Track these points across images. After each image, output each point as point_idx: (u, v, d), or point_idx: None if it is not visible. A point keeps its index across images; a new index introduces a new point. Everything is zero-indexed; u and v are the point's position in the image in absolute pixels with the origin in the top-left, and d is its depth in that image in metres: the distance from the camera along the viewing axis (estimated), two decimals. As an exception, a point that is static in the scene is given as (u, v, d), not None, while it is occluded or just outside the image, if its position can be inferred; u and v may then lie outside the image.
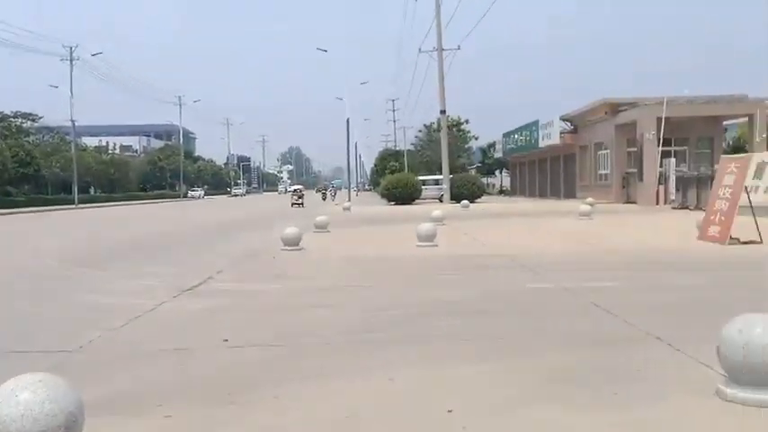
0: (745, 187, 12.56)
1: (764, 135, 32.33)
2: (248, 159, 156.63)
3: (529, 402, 3.77)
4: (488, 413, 3.64)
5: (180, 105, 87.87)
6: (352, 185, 73.64)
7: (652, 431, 3.36)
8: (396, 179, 42.92)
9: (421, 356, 4.86)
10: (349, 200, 43.69)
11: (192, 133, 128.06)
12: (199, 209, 45.71)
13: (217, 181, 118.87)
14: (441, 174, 43.19)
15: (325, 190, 65.45)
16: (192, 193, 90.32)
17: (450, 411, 3.62)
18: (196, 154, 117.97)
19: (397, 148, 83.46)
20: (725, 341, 3.67)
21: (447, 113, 43.64)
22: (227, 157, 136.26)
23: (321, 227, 17.13)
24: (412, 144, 76.68)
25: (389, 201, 41.87)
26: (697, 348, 4.50)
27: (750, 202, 12.35)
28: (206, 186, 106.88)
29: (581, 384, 4.08)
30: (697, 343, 4.56)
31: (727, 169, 12.91)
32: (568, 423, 3.46)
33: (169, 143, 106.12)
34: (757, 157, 20.91)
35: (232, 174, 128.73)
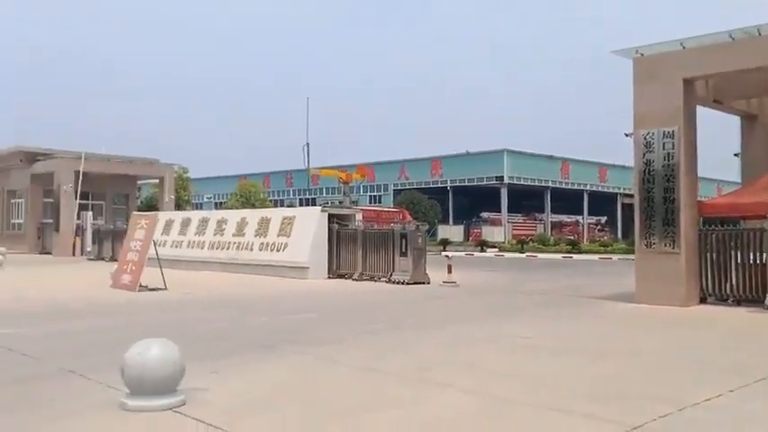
0: (154, 241, 14.25)
1: (172, 196, 36.42)
2: None
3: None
4: None
5: None
6: None
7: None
8: None
9: None
10: None
11: None
12: None
13: None
14: None
15: None
16: None
17: None
18: None
19: None
20: (127, 363, 4.59)
21: None
22: None
23: None
24: None
25: None
26: (107, 377, 5.29)
27: (157, 254, 14.08)
28: None
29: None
30: (108, 373, 5.34)
31: (138, 225, 14.46)
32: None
33: None
34: (165, 215, 23.62)
35: None
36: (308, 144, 31.66)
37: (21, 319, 9.25)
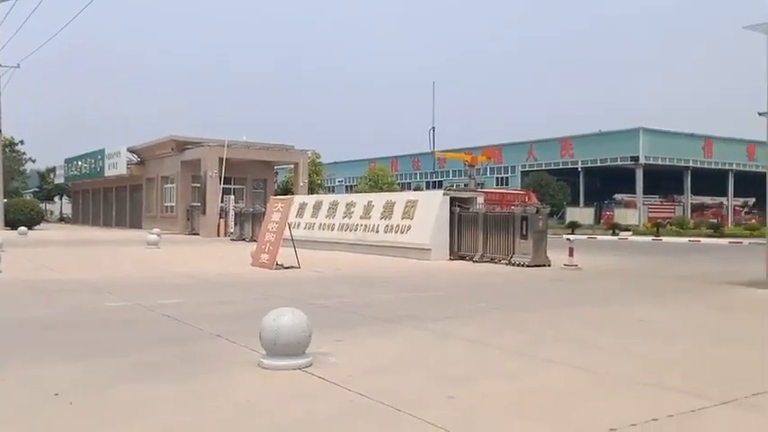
0: (289, 223, 15.39)
1: (306, 180, 38.32)
2: None
3: (121, 382, 4.83)
4: (90, 391, 4.58)
5: None
6: None
7: (214, 389, 4.77)
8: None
9: (21, 362, 5.42)
10: None
11: None
12: None
13: None
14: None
15: None
16: None
17: (56, 394, 4.45)
18: None
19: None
20: (264, 327, 5.35)
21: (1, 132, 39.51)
22: None
23: None
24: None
25: None
26: (248, 341, 6.13)
27: (291, 235, 15.22)
28: None
29: (162, 368, 5.31)
30: (248, 337, 6.16)
31: (275, 207, 15.66)
32: (153, 392, 4.63)
33: None
34: (299, 199, 25.09)
35: None
36: (433, 128, 32.26)
37: (176, 291, 10.54)
